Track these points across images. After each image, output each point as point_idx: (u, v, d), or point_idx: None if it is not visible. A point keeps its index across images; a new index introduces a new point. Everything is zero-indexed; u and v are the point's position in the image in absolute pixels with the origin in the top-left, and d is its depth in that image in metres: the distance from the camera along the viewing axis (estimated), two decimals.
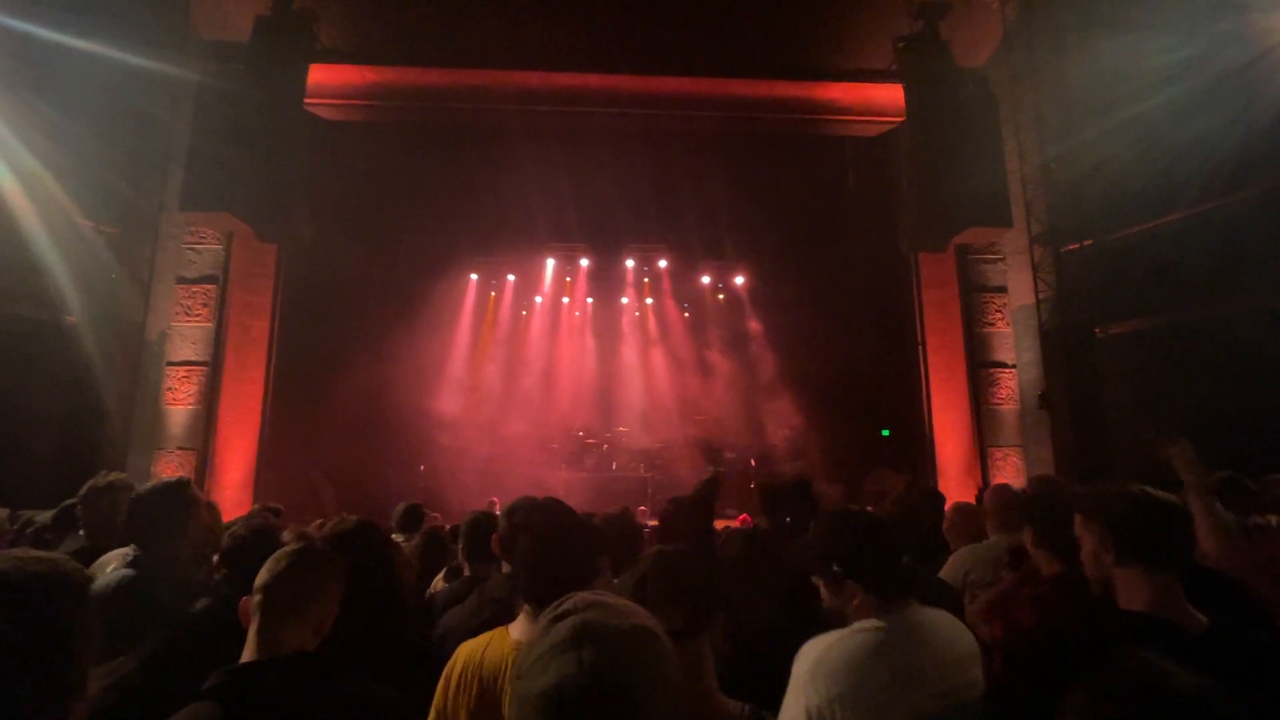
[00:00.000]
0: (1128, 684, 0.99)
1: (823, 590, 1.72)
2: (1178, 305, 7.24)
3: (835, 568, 1.64)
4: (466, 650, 1.64)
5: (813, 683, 1.46)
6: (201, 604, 1.99)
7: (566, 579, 1.60)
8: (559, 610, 0.82)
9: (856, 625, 1.56)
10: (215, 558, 2.64)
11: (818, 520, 1.87)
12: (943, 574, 2.92)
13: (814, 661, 1.49)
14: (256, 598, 1.45)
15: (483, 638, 1.67)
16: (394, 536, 3.68)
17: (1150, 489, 1.65)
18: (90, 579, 1.06)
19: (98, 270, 7.76)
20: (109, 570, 2.19)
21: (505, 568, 2.30)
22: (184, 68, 7.83)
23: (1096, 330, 8.17)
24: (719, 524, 7.63)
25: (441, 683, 1.60)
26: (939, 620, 1.63)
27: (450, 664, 1.62)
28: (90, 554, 2.55)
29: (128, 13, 7.47)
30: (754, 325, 11.81)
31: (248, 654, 1.41)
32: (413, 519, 4.29)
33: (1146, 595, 1.55)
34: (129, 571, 2.12)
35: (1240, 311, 6.61)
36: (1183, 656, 1.01)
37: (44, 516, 3.45)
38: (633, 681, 0.73)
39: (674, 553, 1.46)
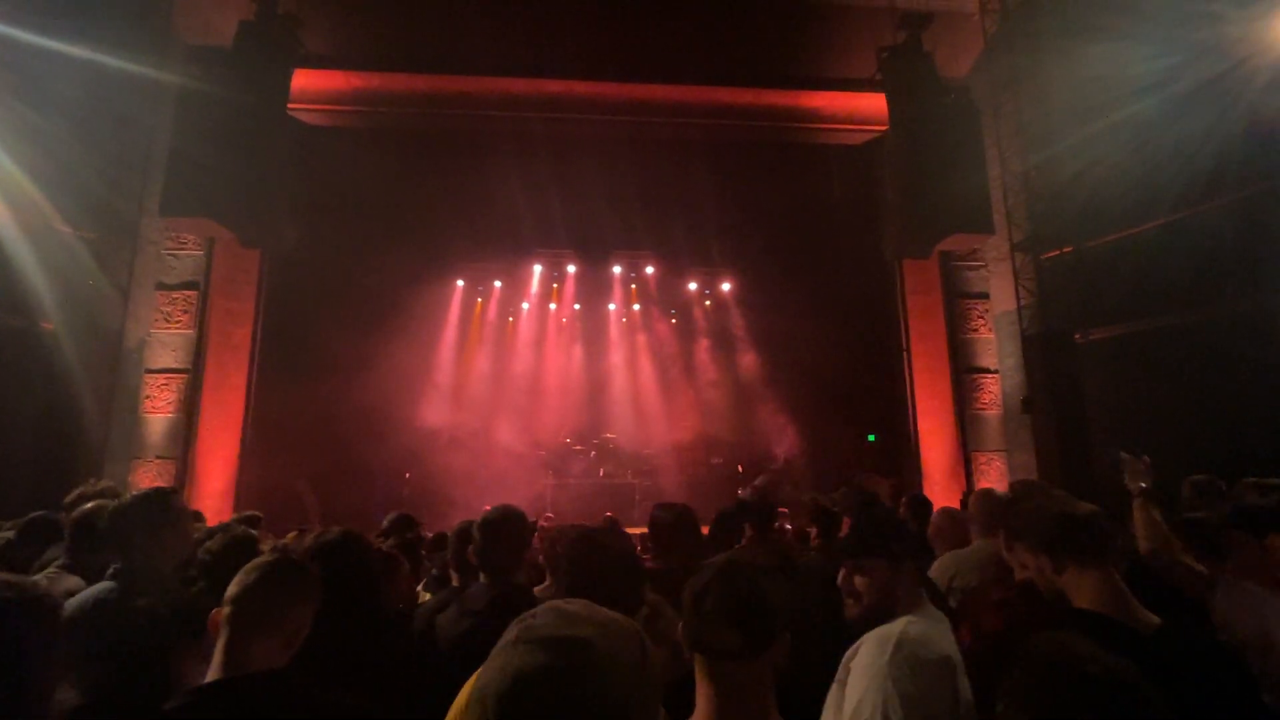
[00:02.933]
0: (1047, 664, 1.03)
1: (844, 581, 1.76)
2: (1157, 311, 7.36)
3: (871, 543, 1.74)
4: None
5: (893, 665, 1.47)
6: (141, 603, 1.93)
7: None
8: (526, 614, 0.83)
9: (907, 619, 1.59)
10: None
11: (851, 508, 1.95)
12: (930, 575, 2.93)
13: (892, 647, 1.51)
14: (226, 610, 1.40)
15: None
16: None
17: (1062, 502, 1.79)
18: (59, 605, 1.03)
19: (76, 276, 7.63)
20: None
21: (483, 578, 2.28)
22: (166, 72, 7.74)
23: (1077, 336, 8.28)
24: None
25: (461, 697, 1.52)
26: (946, 624, 1.69)
27: (473, 682, 1.56)
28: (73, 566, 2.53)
29: (109, 16, 7.38)
30: (740, 331, 11.87)
31: (214, 671, 1.36)
32: (400, 529, 4.23)
33: (1091, 595, 1.64)
34: (110, 584, 2.08)
35: (1218, 317, 6.72)
36: (1130, 653, 1.04)
37: (8, 531, 3.34)
38: (555, 688, 0.73)
39: (742, 567, 1.34)
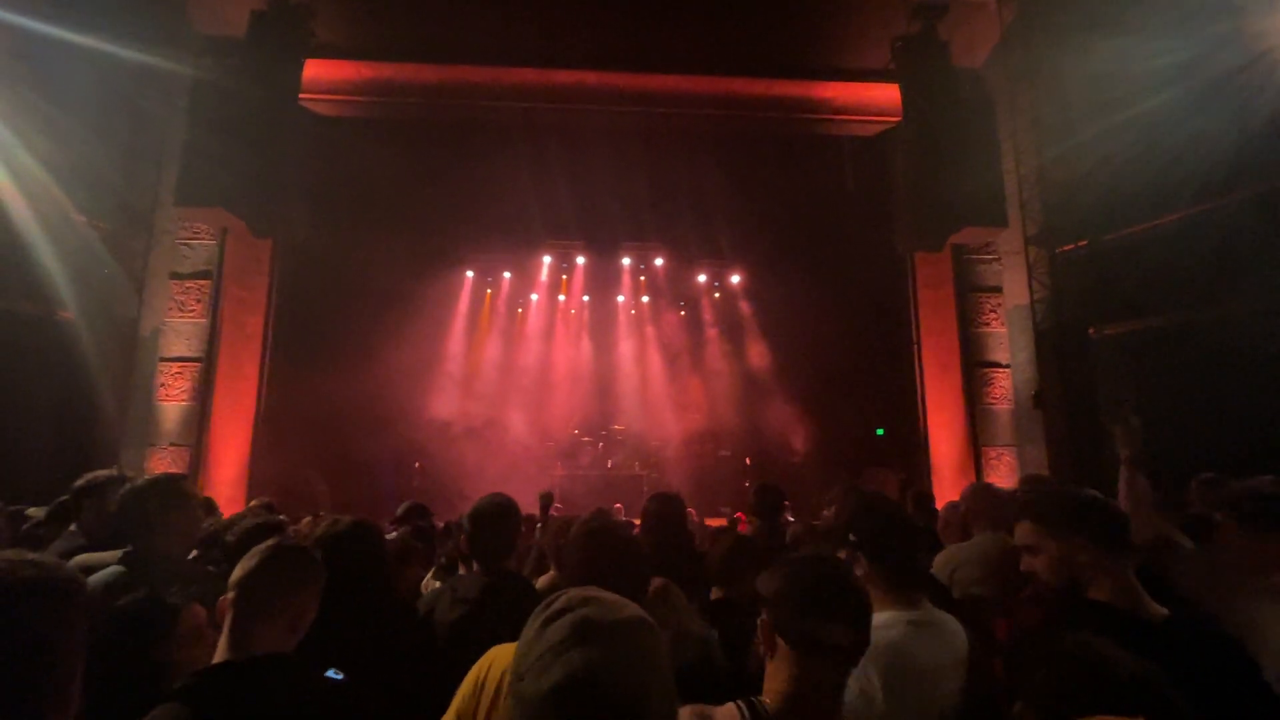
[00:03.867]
0: (1071, 667, 1.04)
1: None
2: (1171, 307, 7.27)
3: (851, 537, 1.71)
4: (503, 653, 1.53)
5: (850, 679, 1.47)
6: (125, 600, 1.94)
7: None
8: (552, 609, 0.81)
9: (884, 619, 1.57)
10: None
11: (844, 500, 1.92)
12: (932, 570, 2.94)
13: None
14: (230, 595, 1.43)
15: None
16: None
17: (1083, 490, 1.75)
18: (83, 586, 1.04)
19: (92, 266, 7.74)
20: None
21: (476, 566, 2.32)
22: (179, 62, 7.80)
23: (1090, 331, 8.20)
24: (714, 522, 7.62)
25: (470, 682, 1.52)
26: (950, 621, 1.69)
27: (481, 666, 1.53)
28: (87, 550, 2.56)
29: (123, 7, 7.44)
30: (749, 324, 11.84)
31: (220, 654, 1.39)
32: (413, 518, 4.29)
33: (1105, 587, 1.63)
34: (119, 569, 2.12)
35: (1233, 313, 6.63)
36: (1142, 645, 1.05)
37: (38, 512, 3.45)
38: (636, 672, 0.73)
39: (839, 562, 1.32)
